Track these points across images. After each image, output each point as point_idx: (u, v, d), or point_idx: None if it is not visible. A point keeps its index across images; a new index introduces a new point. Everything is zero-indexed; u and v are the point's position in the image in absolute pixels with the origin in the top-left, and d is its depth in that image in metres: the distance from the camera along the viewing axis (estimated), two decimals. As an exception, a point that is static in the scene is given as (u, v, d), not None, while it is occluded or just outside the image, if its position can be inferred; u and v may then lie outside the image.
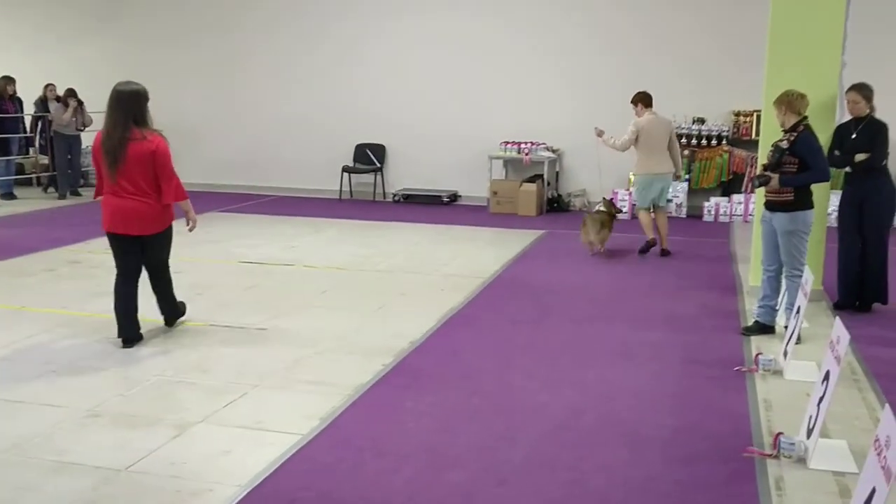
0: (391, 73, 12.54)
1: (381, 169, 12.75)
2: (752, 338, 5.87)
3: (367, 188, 12.84)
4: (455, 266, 8.15)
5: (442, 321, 6.25)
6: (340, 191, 12.81)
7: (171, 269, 5.86)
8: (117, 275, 5.57)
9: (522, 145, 11.78)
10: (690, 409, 4.57)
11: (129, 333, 5.55)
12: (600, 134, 8.91)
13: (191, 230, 5.89)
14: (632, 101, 8.82)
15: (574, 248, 9.00)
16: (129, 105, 5.31)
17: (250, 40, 13.02)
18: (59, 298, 6.73)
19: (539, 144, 11.84)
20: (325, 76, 12.79)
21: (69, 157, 12.57)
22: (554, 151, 11.97)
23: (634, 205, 9.62)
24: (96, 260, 8.04)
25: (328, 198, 12.79)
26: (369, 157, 12.70)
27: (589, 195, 11.78)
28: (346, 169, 12.71)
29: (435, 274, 7.81)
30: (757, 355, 5.25)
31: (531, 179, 11.70)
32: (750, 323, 6.08)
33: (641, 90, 8.83)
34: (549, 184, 11.91)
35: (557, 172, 12.18)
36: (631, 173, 10.00)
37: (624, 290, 7.33)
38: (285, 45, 12.92)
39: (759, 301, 5.98)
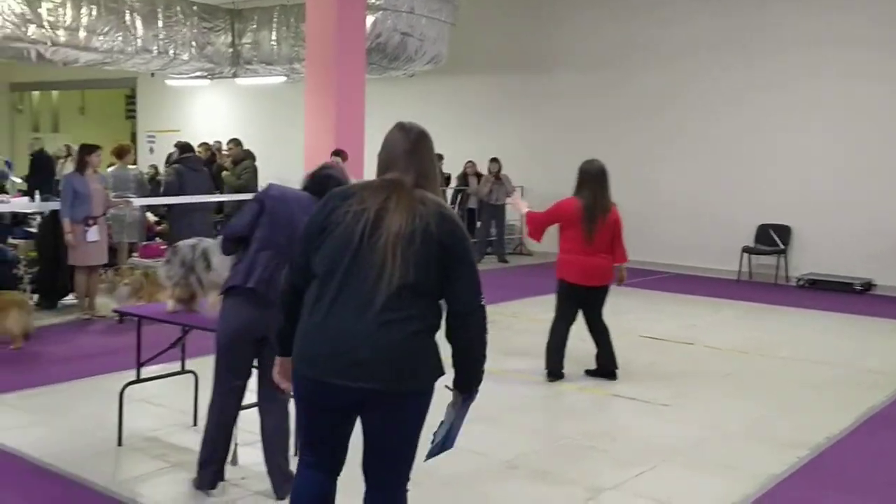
0: (796, 146, 12.01)
1: (784, 251, 12.19)
2: None
3: (769, 270, 12.32)
4: (871, 361, 7.50)
5: (861, 419, 5.78)
6: (739, 272, 12.45)
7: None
8: (559, 319, 6.47)
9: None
10: None
11: (556, 368, 6.42)
12: None
13: (618, 285, 6.63)
14: None
15: None
16: (605, 180, 6.34)
17: (646, 117, 13.29)
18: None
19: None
20: (725, 151, 12.63)
21: (493, 227, 13.81)
22: None
23: None
24: (506, 322, 8.67)
25: (725, 278, 12.49)
26: (772, 237, 12.22)
27: None
28: (746, 249, 12.34)
29: (847, 367, 7.25)
30: None
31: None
32: None
33: None
34: None
35: None
36: None
37: None
38: (684, 120, 13.00)
39: None
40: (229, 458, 4.25)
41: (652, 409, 5.91)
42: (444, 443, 3.00)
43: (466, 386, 2.97)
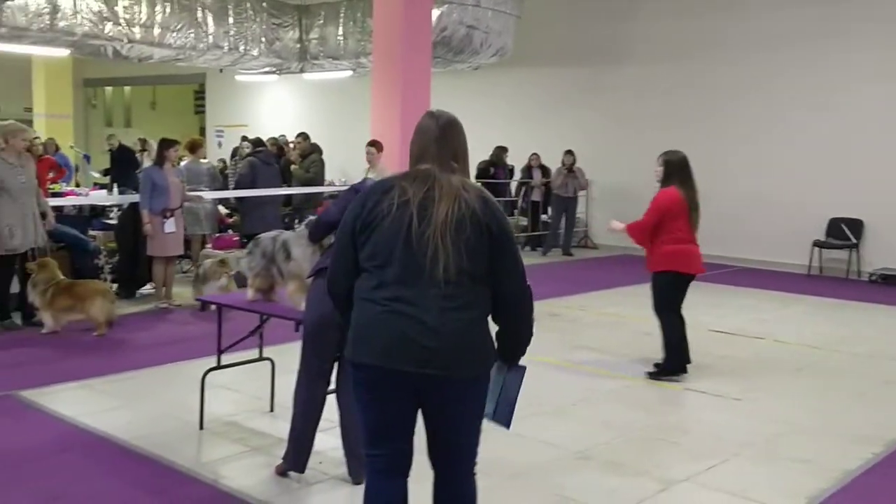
0: (869, 139, 11.74)
1: (856, 245, 11.93)
2: None
3: (840, 265, 12.08)
4: (951, 357, 7.33)
5: (939, 416, 5.68)
6: (809, 266, 12.23)
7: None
8: (674, 312, 6.37)
9: None
10: None
11: (685, 361, 6.42)
12: None
13: None
14: None
15: None
16: (690, 168, 6.33)
17: (714, 109, 13.12)
18: (543, 346, 7.39)
19: None
20: (795, 143, 12.42)
21: (564, 218, 13.79)
22: None
23: None
24: (572, 315, 8.70)
25: (794, 272, 12.28)
26: (844, 232, 11.97)
27: None
28: (817, 243, 12.12)
29: (926, 364, 7.11)
30: None
31: None
32: None
33: None
34: None
35: None
36: None
37: None
38: (753, 112, 12.81)
39: None
40: (319, 443, 4.36)
41: (723, 403, 5.88)
42: (494, 412, 3.08)
43: (510, 359, 3.07)
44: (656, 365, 6.49)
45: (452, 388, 2.85)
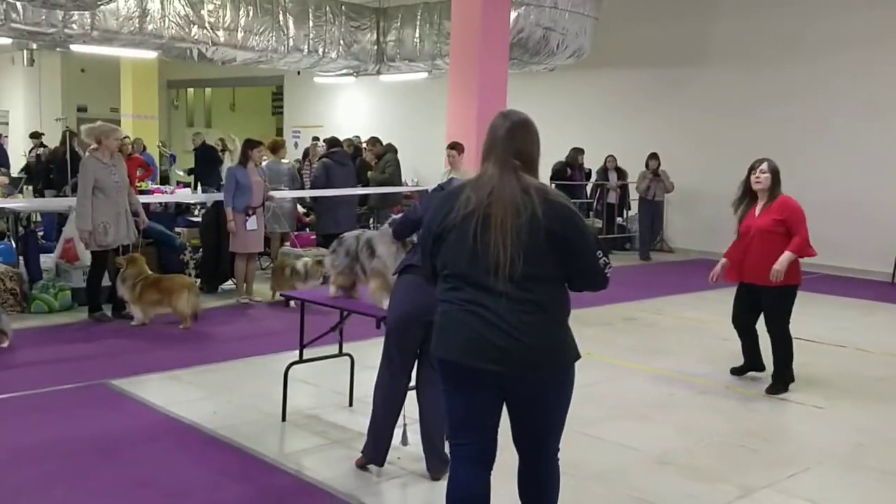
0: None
1: (944, 253, 11.55)
2: None
3: (927, 273, 11.71)
4: None
5: None
6: (893, 273, 11.87)
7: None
8: (788, 325, 6.20)
9: None
10: None
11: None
12: None
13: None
14: None
15: None
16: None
17: (796, 113, 12.83)
18: (621, 350, 7.36)
19: None
20: (879, 148, 12.05)
21: (651, 221, 13.70)
22: None
23: None
24: (650, 319, 8.62)
25: (878, 280, 11.94)
26: (932, 239, 11.60)
27: None
28: (902, 251, 11.77)
29: None
30: None
31: None
32: None
33: None
34: None
35: None
36: None
37: None
38: (836, 116, 12.47)
39: None
40: (399, 438, 4.45)
41: (805, 411, 5.78)
42: None
43: None
44: (733, 370, 6.47)
45: (531, 384, 2.99)
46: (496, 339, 2.90)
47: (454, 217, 3.00)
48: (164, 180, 15.13)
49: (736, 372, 6.52)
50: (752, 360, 6.48)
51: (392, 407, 4.31)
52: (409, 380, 4.33)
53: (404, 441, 4.49)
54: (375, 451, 4.39)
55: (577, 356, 3.05)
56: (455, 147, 9.50)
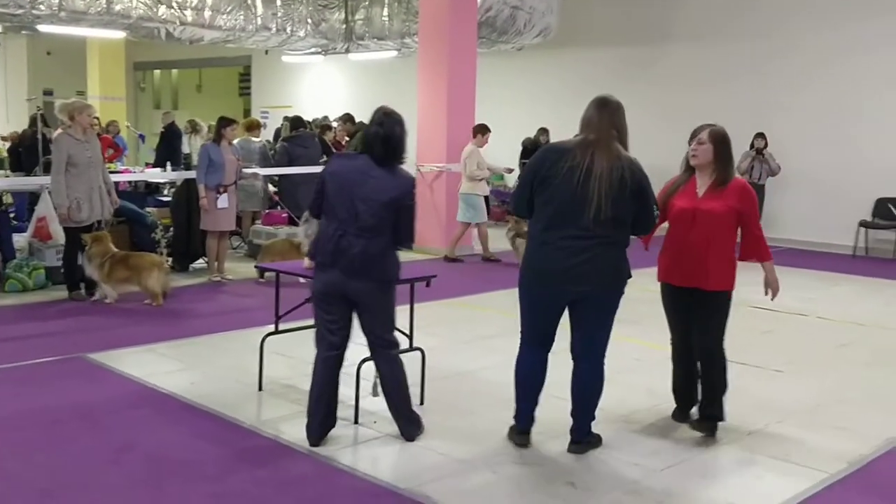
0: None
1: (904, 226, 11.85)
2: None
3: (887, 245, 12.01)
4: None
5: (983, 389, 5.72)
6: (855, 247, 12.17)
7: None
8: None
9: None
10: None
11: None
12: None
13: None
14: None
15: None
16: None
17: (757, 88, 13.04)
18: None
19: None
20: (840, 123, 12.32)
21: None
22: None
23: None
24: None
25: (839, 253, 12.23)
26: (891, 211, 11.89)
27: None
28: (863, 224, 12.06)
29: (971, 341, 7.12)
30: None
31: None
32: None
33: None
34: None
35: None
36: None
37: None
38: (798, 90, 12.72)
39: None
40: (371, 389, 4.76)
41: (765, 374, 5.98)
42: None
43: None
44: (707, 417, 4.75)
45: (596, 298, 4.16)
46: (583, 266, 4.04)
47: (561, 167, 4.05)
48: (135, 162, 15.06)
49: (680, 417, 4.93)
50: (690, 393, 4.91)
51: (330, 379, 4.52)
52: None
53: (374, 393, 4.73)
54: (317, 422, 4.46)
55: (630, 275, 4.20)
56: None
